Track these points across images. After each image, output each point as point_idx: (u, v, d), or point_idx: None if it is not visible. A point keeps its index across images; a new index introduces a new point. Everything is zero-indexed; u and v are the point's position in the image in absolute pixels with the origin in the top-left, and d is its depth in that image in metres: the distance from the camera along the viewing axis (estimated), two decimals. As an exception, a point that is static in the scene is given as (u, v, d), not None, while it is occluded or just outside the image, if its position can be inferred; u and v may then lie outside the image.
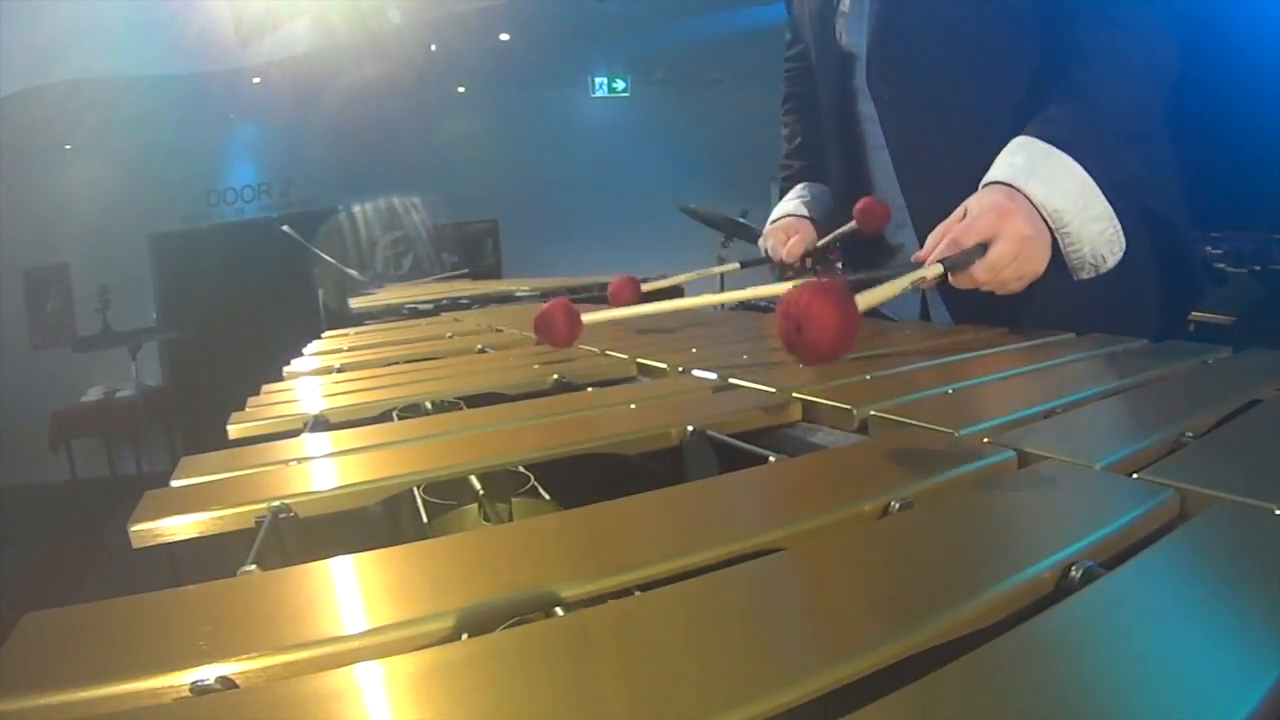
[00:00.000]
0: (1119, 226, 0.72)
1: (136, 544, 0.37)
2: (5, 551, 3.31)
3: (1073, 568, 0.26)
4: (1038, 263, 0.71)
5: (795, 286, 0.48)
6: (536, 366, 0.75)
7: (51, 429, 4.77)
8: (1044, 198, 0.69)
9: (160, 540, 0.37)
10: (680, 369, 0.69)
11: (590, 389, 0.65)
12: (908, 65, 0.87)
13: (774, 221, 1.15)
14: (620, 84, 5.90)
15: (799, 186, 1.17)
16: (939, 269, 0.67)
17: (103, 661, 0.23)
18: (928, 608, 0.24)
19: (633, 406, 0.56)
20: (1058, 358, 0.62)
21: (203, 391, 3.46)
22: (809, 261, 1.09)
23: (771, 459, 0.41)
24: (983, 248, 0.68)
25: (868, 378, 0.59)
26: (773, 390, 0.56)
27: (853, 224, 0.95)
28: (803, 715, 0.20)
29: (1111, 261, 0.74)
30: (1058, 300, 0.77)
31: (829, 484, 0.39)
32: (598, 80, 5.86)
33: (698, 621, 0.24)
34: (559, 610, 0.26)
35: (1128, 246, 0.74)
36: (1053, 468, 0.36)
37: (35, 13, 3.85)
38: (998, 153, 0.75)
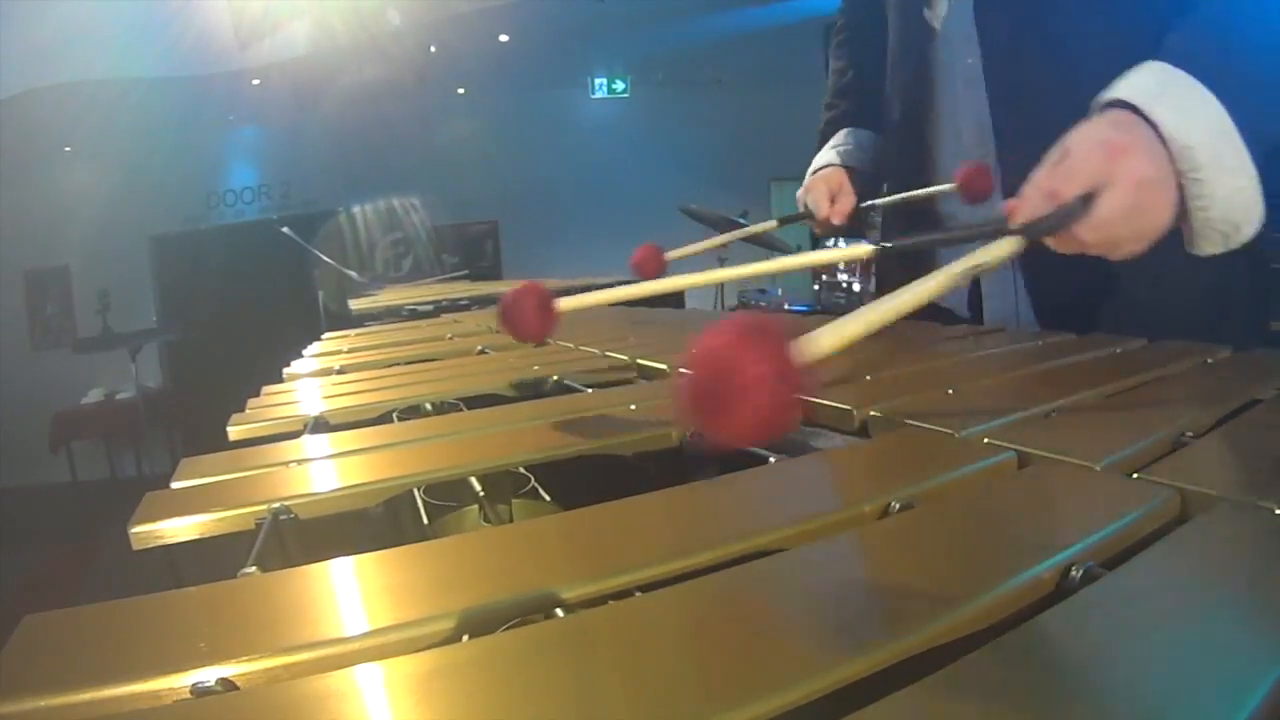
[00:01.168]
0: (1259, 185, 0.54)
1: (137, 545, 0.37)
2: (5, 553, 3.31)
3: (1073, 568, 0.26)
4: (1160, 215, 0.52)
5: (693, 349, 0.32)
6: (536, 367, 0.75)
7: (52, 430, 4.78)
8: (1174, 128, 0.51)
9: (160, 542, 0.37)
10: (680, 369, 0.68)
11: (590, 390, 0.65)
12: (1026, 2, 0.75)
13: (815, 172, 1.03)
14: (620, 84, 5.90)
15: (843, 133, 1.04)
16: (1014, 244, 0.48)
17: (103, 663, 0.23)
18: (928, 608, 0.24)
19: (633, 407, 0.56)
20: (1058, 358, 0.62)
21: (203, 393, 3.46)
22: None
23: (771, 459, 0.41)
24: (1087, 199, 0.50)
25: (868, 378, 0.59)
26: (773, 391, 0.56)
27: (946, 187, 0.82)
28: (803, 715, 0.20)
29: (1247, 232, 0.55)
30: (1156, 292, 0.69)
31: (829, 484, 0.39)
32: (597, 81, 5.86)
33: (698, 622, 0.24)
34: (559, 611, 0.26)
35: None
36: (1053, 468, 0.36)
37: (35, 14, 3.85)
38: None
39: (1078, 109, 0.59)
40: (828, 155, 1.04)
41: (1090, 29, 0.73)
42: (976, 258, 0.47)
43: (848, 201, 0.96)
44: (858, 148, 1.02)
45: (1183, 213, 0.53)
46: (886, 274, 1.11)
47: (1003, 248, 0.48)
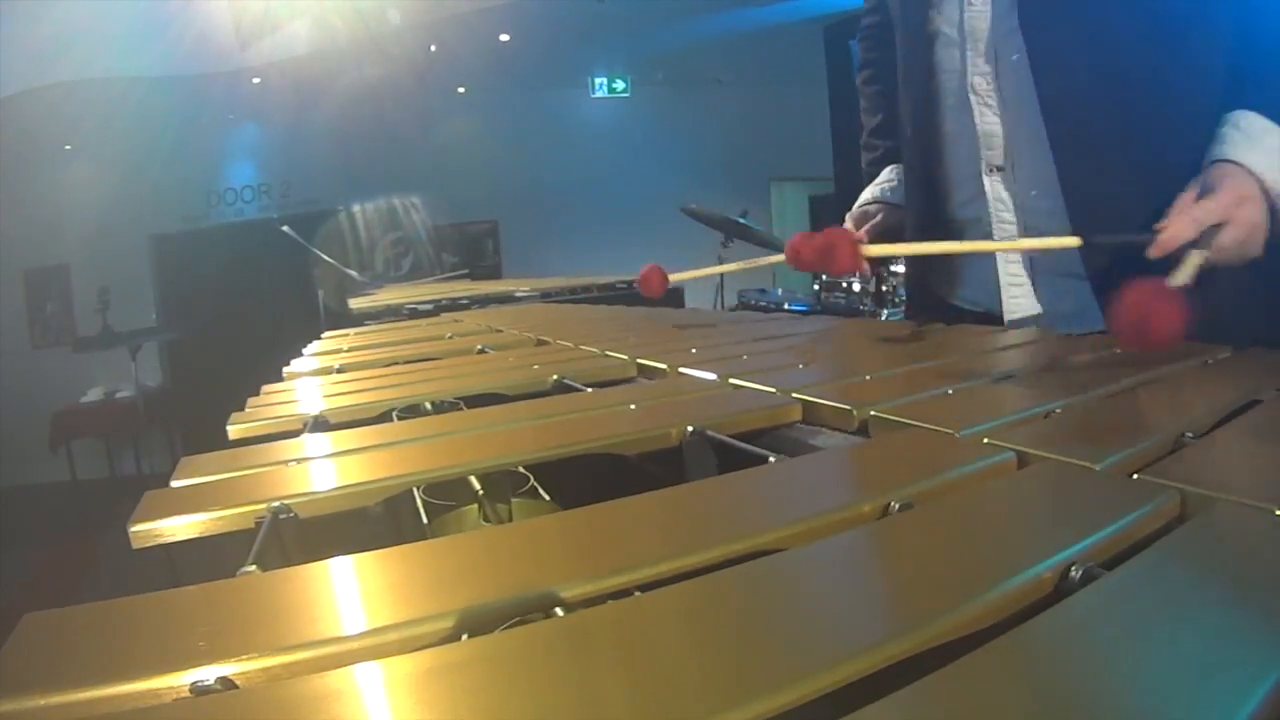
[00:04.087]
0: None
1: (136, 544, 0.37)
2: (5, 552, 3.31)
3: (1072, 568, 0.26)
4: (1258, 248, 0.70)
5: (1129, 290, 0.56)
6: (536, 367, 0.75)
7: (52, 429, 4.78)
8: (1275, 180, 0.69)
9: (160, 541, 0.37)
10: (680, 369, 0.69)
11: (590, 389, 0.65)
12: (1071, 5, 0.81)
13: (859, 206, 1.08)
14: (620, 84, 5.90)
15: (889, 169, 1.09)
16: (1201, 257, 0.66)
17: (103, 662, 0.23)
18: (927, 608, 0.24)
19: (633, 407, 0.55)
20: (1058, 358, 0.62)
21: (203, 392, 3.46)
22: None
23: (771, 459, 0.41)
24: (1217, 228, 0.68)
25: (868, 378, 0.59)
26: (773, 390, 0.56)
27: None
28: (803, 715, 0.20)
29: None
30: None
31: (829, 484, 0.39)
32: (598, 81, 5.86)
33: (698, 621, 0.24)
34: (559, 611, 0.26)
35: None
36: (1053, 468, 0.36)
37: (34, 13, 3.85)
38: (1168, 116, 0.75)
39: (1131, 122, 0.76)
40: (871, 192, 1.08)
41: (1145, 50, 0.77)
42: (1190, 268, 0.64)
43: (861, 239, 1.00)
44: (901, 184, 1.05)
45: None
46: (913, 281, 1.15)
47: (1195, 261, 0.65)
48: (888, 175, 1.08)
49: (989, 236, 0.88)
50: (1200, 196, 0.69)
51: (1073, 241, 0.71)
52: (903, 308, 2.39)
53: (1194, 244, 0.67)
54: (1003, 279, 0.89)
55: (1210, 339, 0.72)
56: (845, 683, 0.20)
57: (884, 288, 2.60)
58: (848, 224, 1.06)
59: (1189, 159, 0.74)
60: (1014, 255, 0.88)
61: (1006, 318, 0.89)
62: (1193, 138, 0.75)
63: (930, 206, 0.95)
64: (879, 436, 0.47)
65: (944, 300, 0.99)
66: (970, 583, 0.25)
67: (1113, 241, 0.73)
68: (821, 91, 5.22)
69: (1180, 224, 0.68)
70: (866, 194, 1.09)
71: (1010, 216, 0.87)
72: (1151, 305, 0.55)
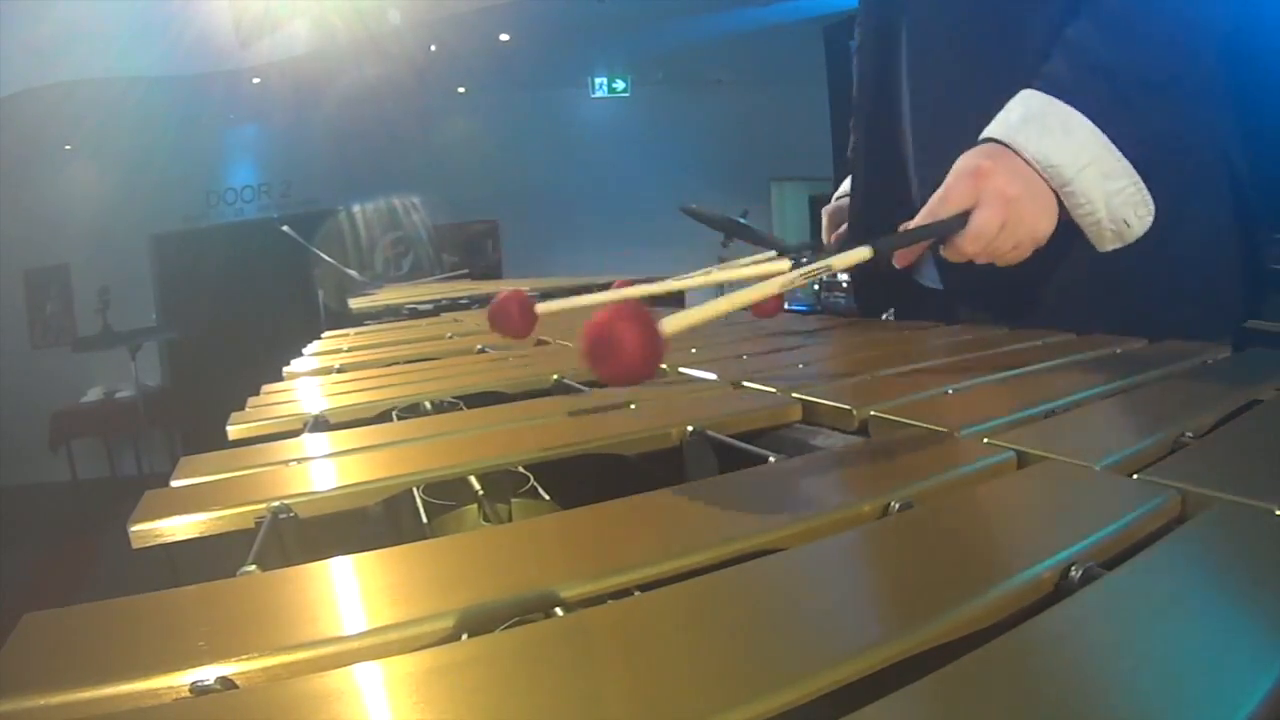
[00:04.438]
0: (1142, 185, 0.64)
1: (136, 544, 0.37)
2: (5, 551, 3.31)
3: (1073, 568, 0.26)
4: (1033, 226, 0.63)
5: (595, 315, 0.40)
6: (536, 367, 0.75)
7: (52, 429, 4.78)
8: (1035, 151, 0.62)
9: (160, 540, 0.37)
10: (680, 369, 0.69)
11: (590, 389, 0.65)
12: (945, 16, 0.80)
13: (836, 199, 1.08)
14: (620, 84, 5.91)
15: None
16: (864, 253, 0.57)
17: (102, 662, 0.23)
18: (927, 608, 0.24)
19: (633, 407, 0.55)
20: (1058, 358, 0.62)
21: (203, 391, 3.46)
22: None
23: (771, 459, 0.41)
24: (964, 217, 0.61)
25: (867, 378, 0.59)
26: (773, 390, 0.56)
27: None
28: (803, 715, 0.20)
29: (1138, 227, 0.65)
30: (1081, 293, 0.73)
31: (829, 484, 0.39)
32: (598, 80, 5.86)
33: (698, 621, 0.24)
34: (559, 610, 0.26)
35: (1170, 231, 0.67)
36: (1053, 468, 0.36)
37: (34, 13, 3.85)
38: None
39: (977, 120, 0.68)
40: (846, 185, 1.08)
41: (994, 47, 0.76)
42: (828, 262, 0.56)
43: (837, 238, 1.03)
44: None
45: (1072, 220, 0.64)
46: (862, 285, 1.14)
47: (851, 257, 0.57)
48: None
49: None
50: (942, 188, 0.64)
51: (863, 254, 0.60)
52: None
53: (933, 234, 0.61)
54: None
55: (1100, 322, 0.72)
56: (845, 683, 0.20)
57: (862, 297, 2.60)
58: (826, 219, 1.06)
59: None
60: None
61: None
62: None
63: (886, 170, 0.93)
64: (879, 436, 0.47)
65: (895, 283, 0.96)
66: (970, 583, 0.25)
67: (892, 246, 0.65)
68: (821, 91, 5.22)
69: (915, 222, 0.62)
70: (843, 186, 1.08)
71: None
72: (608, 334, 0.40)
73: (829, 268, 0.57)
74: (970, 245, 0.62)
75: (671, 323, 0.42)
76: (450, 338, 1.12)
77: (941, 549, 0.29)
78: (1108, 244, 0.66)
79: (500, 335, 0.70)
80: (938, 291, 0.90)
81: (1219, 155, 0.77)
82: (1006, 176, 0.62)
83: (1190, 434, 0.40)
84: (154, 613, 0.27)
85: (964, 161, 0.64)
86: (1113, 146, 0.63)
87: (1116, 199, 0.64)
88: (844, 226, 1.02)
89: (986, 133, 0.66)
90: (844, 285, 3.05)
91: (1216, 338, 0.64)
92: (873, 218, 0.95)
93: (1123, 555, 0.27)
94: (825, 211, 1.09)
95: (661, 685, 0.21)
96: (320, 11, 4.25)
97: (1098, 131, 0.63)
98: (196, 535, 0.37)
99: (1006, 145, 0.63)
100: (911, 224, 0.64)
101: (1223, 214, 0.76)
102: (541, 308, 0.70)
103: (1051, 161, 0.62)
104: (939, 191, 0.63)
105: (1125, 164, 0.63)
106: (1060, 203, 0.64)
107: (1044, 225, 0.63)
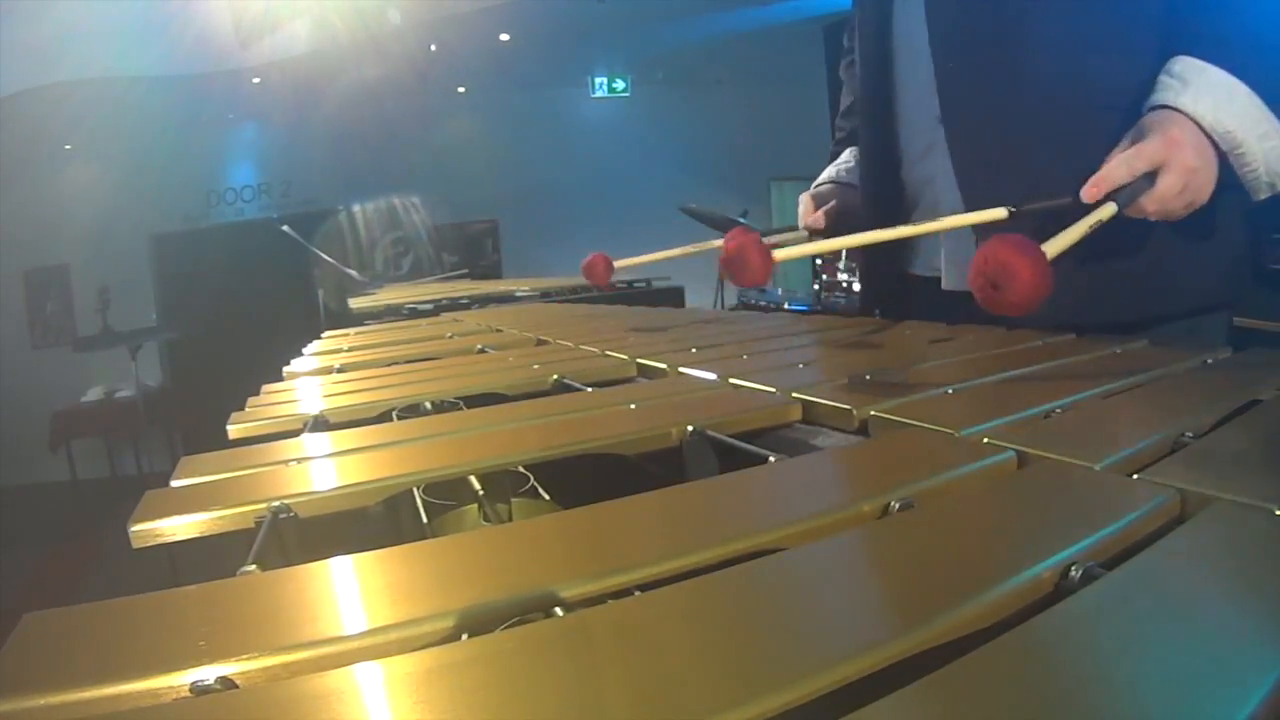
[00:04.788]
0: None
1: (136, 544, 0.37)
2: (5, 551, 3.31)
3: (1073, 568, 0.26)
4: (1203, 193, 0.69)
5: (987, 241, 0.52)
6: (536, 366, 0.75)
7: (52, 429, 4.78)
8: (1213, 120, 0.67)
9: (160, 540, 0.37)
10: (680, 369, 0.69)
11: (590, 389, 0.65)
12: None
13: (815, 186, 1.10)
14: (620, 84, 5.90)
15: (848, 150, 1.11)
16: (1113, 208, 0.64)
17: (103, 662, 0.23)
18: (928, 608, 0.24)
19: (633, 407, 0.56)
20: (1058, 358, 0.62)
21: (203, 391, 3.45)
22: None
23: (771, 459, 0.41)
24: (1150, 178, 0.67)
25: (867, 378, 0.59)
26: (773, 390, 0.56)
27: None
28: (803, 715, 0.20)
29: None
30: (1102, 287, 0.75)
31: (829, 484, 0.39)
32: (598, 80, 5.86)
33: (698, 621, 0.24)
34: (559, 610, 0.26)
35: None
36: (1053, 468, 0.36)
37: (34, 13, 3.85)
38: (1065, 80, 0.74)
39: (1024, 93, 0.76)
40: (828, 172, 1.10)
41: (1043, 12, 0.78)
42: (1092, 219, 0.62)
43: (819, 217, 1.03)
44: (855, 164, 1.06)
45: (1232, 175, 0.69)
46: (869, 274, 1.14)
47: (1106, 211, 0.63)
48: (846, 156, 1.09)
49: (939, 198, 0.87)
50: (1134, 145, 0.68)
51: (999, 214, 0.69)
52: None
53: (1119, 197, 0.65)
54: (944, 251, 0.89)
55: (1160, 304, 0.76)
56: (845, 683, 0.20)
57: (867, 287, 2.62)
58: (803, 204, 1.07)
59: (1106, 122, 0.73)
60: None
61: (944, 287, 0.89)
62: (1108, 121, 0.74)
63: (884, 169, 0.95)
64: (879, 436, 0.47)
65: (899, 271, 0.97)
66: (970, 583, 0.25)
67: (1040, 208, 0.70)
68: (821, 91, 5.22)
69: (1112, 166, 0.66)
70: (824, 174, 1.10)
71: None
72: (1007, 261, 0.52)
73: (1096, 223, 0.62)
74: (1152, 205, 0.67)
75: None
76: (450, 338, 1.12)
77: (941, 549, 0.29)
78: (1263, 194, 0.72)
79: (736, 282, 0.78)
80: (938, 291, 0.90)
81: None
82: (1194, 149, 0.67)
83: (1190, 434, 0.40)
84: (154, 613, 0.27)
85: (1156, 125, 0.68)
86: (1264, 107, 0.69)
87: (1273, 154, 0.70)
88: (831, 204, 1.04)
89: (1165, 100, 0.70)
90: (844, 285, 3.05)
91: (1216, 338, 0.65)
92: (878, 186, 0.96)
93: (1123, 555, 0.27)
94: (804, 196, 1.09)
95: (661, 685, 0.21)
96: (320, 11, 4.25)
97: (1253, 94, 0.68)
98: (196, 535, 0.37)
99: (1184, 114, 0.68)
100: (1105, 175, 0.67)
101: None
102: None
103: (1228, 128, 0.68)
104: (1133, 149, 0.68)
105: (1276, 121, 0.69)
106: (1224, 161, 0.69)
107: (1209, 190, 0.69)
